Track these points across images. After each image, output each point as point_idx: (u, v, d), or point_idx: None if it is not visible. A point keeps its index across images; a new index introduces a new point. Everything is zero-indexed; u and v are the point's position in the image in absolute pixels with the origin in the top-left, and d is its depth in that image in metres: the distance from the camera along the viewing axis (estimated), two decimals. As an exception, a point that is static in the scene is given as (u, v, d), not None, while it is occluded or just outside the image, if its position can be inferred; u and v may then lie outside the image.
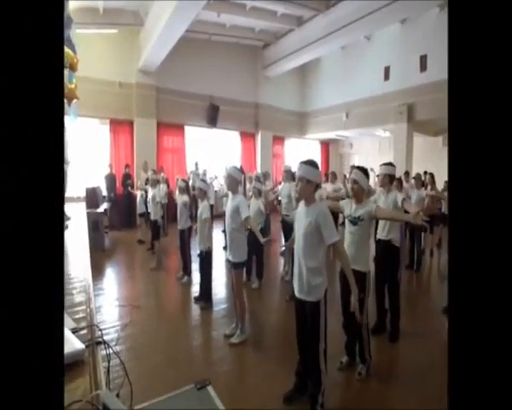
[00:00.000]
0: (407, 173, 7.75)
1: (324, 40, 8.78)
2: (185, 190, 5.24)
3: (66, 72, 4.11)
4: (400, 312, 3.54)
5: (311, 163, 2.24)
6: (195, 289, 4.74)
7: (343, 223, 6.24)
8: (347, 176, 7.31)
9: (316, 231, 2.14)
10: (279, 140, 12.83)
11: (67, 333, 1.02)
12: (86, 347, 0.97)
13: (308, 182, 2.19)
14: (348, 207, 2.81)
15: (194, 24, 6.77)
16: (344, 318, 2.88)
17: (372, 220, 2.80)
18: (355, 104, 10.81)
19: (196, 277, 5.18)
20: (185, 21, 6.54)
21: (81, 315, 1.27)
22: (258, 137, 12.02)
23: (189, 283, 5.11)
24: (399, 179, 5.08)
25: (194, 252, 4.77)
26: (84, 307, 1.35)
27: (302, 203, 2.30)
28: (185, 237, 5.15)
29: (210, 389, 1.63)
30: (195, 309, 4.22)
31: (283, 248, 5.88)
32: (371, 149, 12.51)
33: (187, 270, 5.20)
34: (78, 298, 1.46)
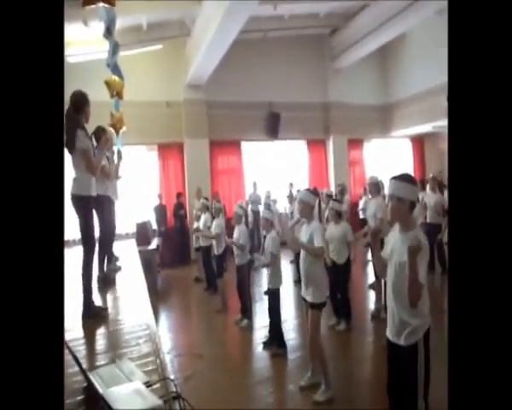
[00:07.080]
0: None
1: (412, 8, 8.23)
2: (242, 218, 5.35)
3: (113, 100, 4.65)
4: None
5: (404, 178, 2.20)
6: (260, 335, 4.81)
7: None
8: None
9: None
10: (356, 144, 12.58)
11: (141, 388, 1.17)
12: (164, 402, 1.10)
13: (399, 200, 2.15)
14: None
15: (246, 22, 7.03)
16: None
17: None
18: (460, 82, 10.07)
19: (260, 319, 5.25)
20: (239, 21, 6.74)
21: (151, 367, 1.43)
22: (330, 144, 11.96)
23: (250, 327, 5.14)
24: None
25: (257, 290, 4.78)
26: (152, 359, 1.51)
27: (396, 227, 2.26)
28: (243, 274, 5.19)
29: None
30: (265, 358, 4.29)
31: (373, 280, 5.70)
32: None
33: (246, 312, 5.20)
34: (145, 348, 1.64)
